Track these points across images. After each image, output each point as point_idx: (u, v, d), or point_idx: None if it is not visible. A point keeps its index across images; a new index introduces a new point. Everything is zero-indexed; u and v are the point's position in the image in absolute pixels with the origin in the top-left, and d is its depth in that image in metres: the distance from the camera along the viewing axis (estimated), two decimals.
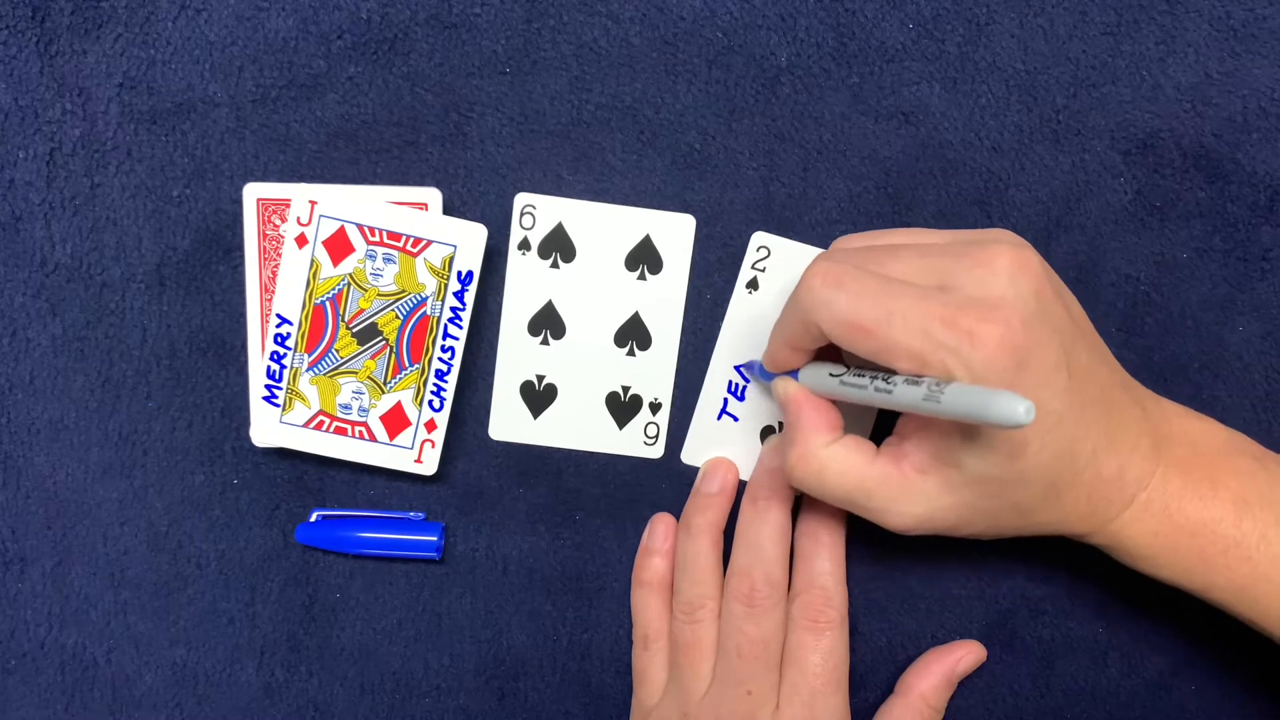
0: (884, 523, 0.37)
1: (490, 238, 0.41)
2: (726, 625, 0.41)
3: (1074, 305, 0.37)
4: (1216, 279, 0.43)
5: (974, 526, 0.37)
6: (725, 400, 0.44)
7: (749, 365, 0.43)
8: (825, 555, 0.42)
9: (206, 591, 0.45)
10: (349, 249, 0.41)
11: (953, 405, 0.31)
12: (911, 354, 0.33)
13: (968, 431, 0.34)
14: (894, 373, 0.34)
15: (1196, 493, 0.36)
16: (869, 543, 0.44)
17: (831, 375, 0.37)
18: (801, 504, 0.43)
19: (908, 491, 0.36)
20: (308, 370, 0.42)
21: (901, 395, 0.33)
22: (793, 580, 0.42)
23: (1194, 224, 0.43)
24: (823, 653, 0.41)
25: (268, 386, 0.42)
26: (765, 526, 0.41)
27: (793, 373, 0.39)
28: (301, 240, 0.41)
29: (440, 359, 0.42)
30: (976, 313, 0.32)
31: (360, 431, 0.42)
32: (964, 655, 0.44)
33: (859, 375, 0.36)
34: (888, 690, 0.44)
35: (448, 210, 0.42)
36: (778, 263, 0.42)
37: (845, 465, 0.36)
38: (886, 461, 0.36)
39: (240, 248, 0.43)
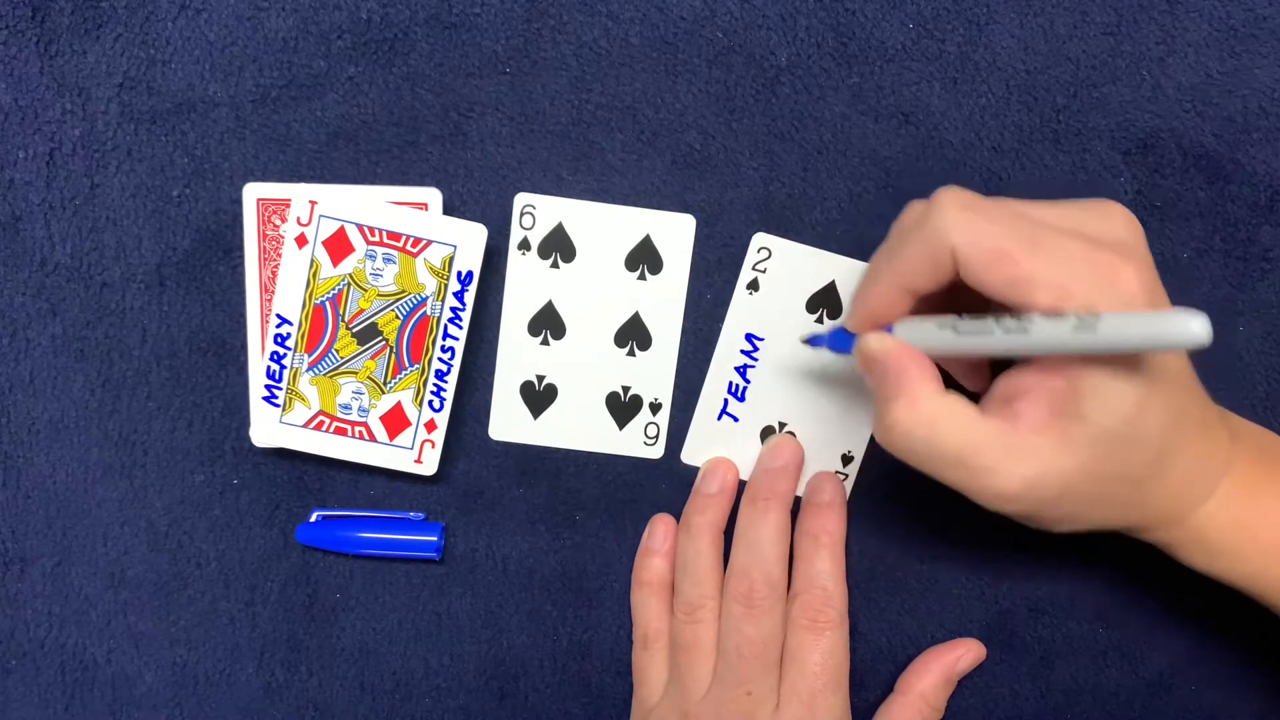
0: (986, 486, 0.33)
1: (490, 238, 0.41)
2: (726, 626, 0.41)
3: None
4: (1216, 279, 0.43)
5: (1073, 501, 0.34)
6: (725, 400, 0.44)
7: (815, 338, 0.40)
8: (825, 555, 0.42)
9: (206, 591, 0.45)
10: (349, 249, 0.41)
11: (1114, 333, 0.29)
12: (1055, 285, 0.31)
13: (1104, 371, 0.32)
14: (1016, 314, 0.32)
15: (1273, 487, 0.36)
16: (869, 543, 0.45)
17: (941, 327, 0.34)
18: (801, 505, 0.43)
19: (1022, 450, 0.33)
20: (308, 370, 0.42)
21: (1042, 333, 0.31)
22: (792, 580, 0.42)
23: (1194, 224, 0.43)
24: (823, 652, 0.41)
25: (268, 386, 0.42)
26: (764, 527, 0.41)
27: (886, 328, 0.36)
28: (301, 240, 0.41)
29: (440, 359, 0.42)
30: (1116, 251, 0.32)
31: (360, 431, 0.42)
32: (963, 654, 0.44)
33: (979, 318, 0.33)
34: (887, 690, 0.44)
35: (448, 210, 0.42)
36: (778, 264, 0.42)
37: (959, 417, 0.33)
38: (998, 418, 0.33)
39: (240, 248, 0.43)
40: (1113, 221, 0.33)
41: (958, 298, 0.35)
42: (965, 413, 0.34)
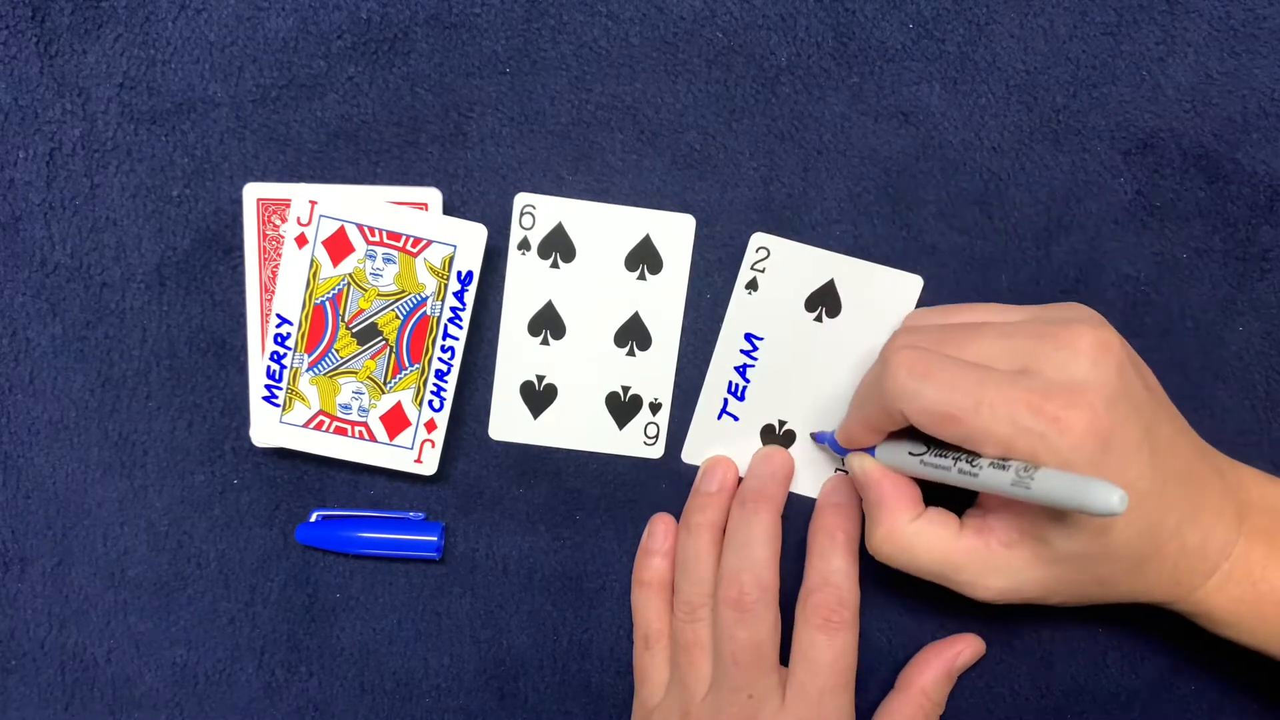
0: (970, 594, 0.37)
1: (490, 238, 0.41)
2: (718, 631, 0.41)
3: (1150, 378, 0.37)
4: (1216, 279, 0.43)
5: (1058, 597, 0.37)
6: (725, 400, 0.44)
7: (821, 436, 0.43)
8: (840, 553, 0.42)
9: (206, 591, 0.45)
10: (349, 249, 0.41)
11: (1043, 492, 0.31)
12: (998, 440, 0.33)
13: (1054, 512, 0.34)
14: (977, 455, 0.34)
15: None
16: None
17: (911, 455, 0.37)
18: (816, 504, 0.43)
19: (995, 565, 0.36)
20: (308, 370, 0.42)
21: (988, 479, 0.33)
22: (806, 577, 0.42)
23: (1194, 224, 0.43)
24: (834, 652, 0.40)
25: (268, 386, 0.42)
26: (754, 529, 0.41)
27: (869, 449, 0.40)
28: (301, 240, 0.41)
29: (440, 359, 0.42)
30: (1062, 398, 0.33)
31: (360, 431, 0.42)
32: (963, 649, 0.44)
33: (941, 455, 0.36)
34: (886, 689, 0.44)
35: (448, 210, 0.42)
36: (778, 263, 0.42)
37: (932, 541, 0.37)
38: (972, 535, 0.36)
39: (240, 248, 0.43)
40: (1074, 354, 0.34)
41: None
42: (940, 534, 0.37)
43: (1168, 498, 0.35)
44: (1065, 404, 0.33)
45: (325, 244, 0.41)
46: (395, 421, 0.42)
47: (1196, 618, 0.38)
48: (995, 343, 0.36)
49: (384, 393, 0.42)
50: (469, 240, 0.41)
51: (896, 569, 0.38)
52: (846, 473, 0.44)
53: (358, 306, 0.41)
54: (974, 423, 0.33)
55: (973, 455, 0.34)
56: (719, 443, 0.44)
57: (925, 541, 0.37)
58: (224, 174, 0.43)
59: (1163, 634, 0.45)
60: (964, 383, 0.34)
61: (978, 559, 0.36)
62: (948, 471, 0.35)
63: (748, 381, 0.43)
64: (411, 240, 0.41)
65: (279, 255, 0.42)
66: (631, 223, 0.43)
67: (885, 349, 0.37)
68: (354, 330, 0.42)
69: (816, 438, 0.43)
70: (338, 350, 0.42)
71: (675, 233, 0.43)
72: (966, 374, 0.34)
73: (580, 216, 0.42)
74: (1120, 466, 0.33)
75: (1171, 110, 0.42)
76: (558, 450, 0.44)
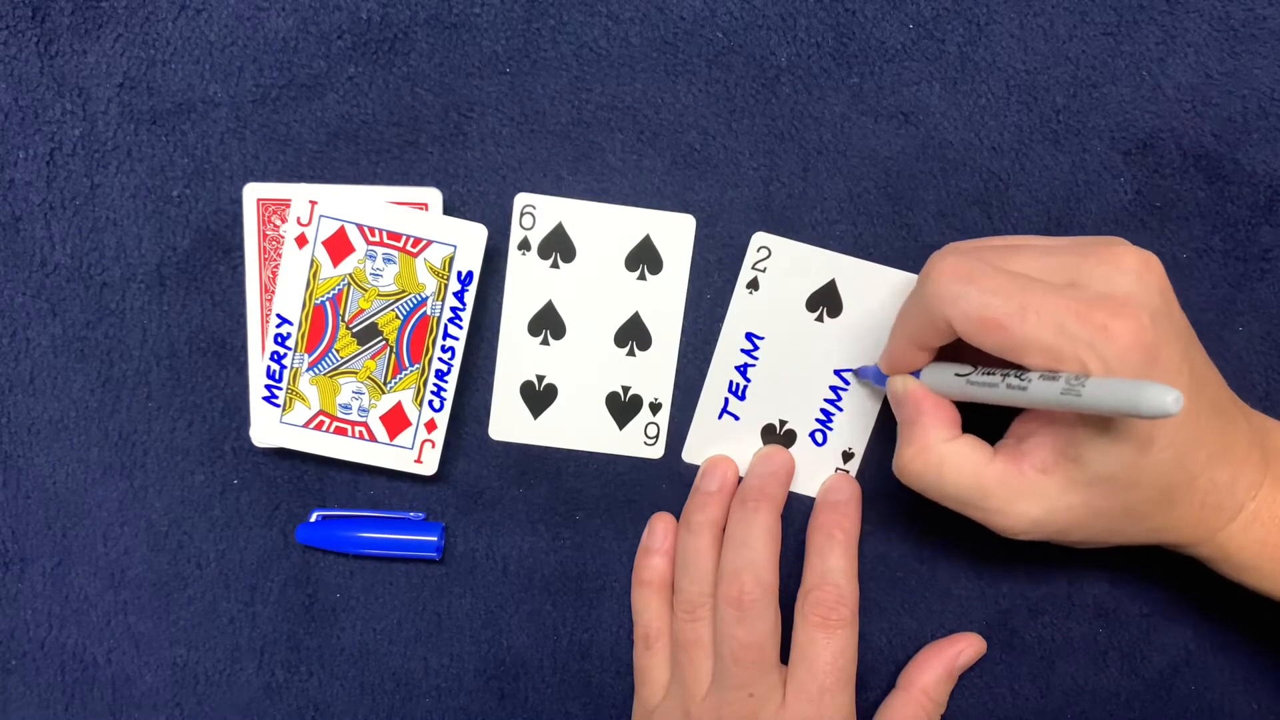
0: (996, 524, 0.36)
1: (490, 238, 0.41)
2: (719, 630, 0.41)
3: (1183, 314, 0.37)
4: (1216, 279, 0.43)
5: (1085, 531, 0.36)
6: (726, 399, 0.44)
7: (860, 370, 0.43)
8: (839, 552, 0.41)
9: (206, 591, 0.45)
10: (349, 249, 0.41)
11: (1096, 398, 0.30)
12: (1045, 349, 0.32)
13: (1097, 426, 0.33)
14: (1024, 370, 0.34)
15: None
16: (869, 541, 0.45)
17: (958, 375, 0.36)
18: (815, 503, 0.43)
19: (1027, 491, 0.35)
20: (308, 370, 0.42)
21: (1037, 391, 0.33)
22: (805, 575, 0.42)
23: (1194, 224, 0.43)
24: (834, 650, 0.40)
25: (268, 386, 0.42)
26: (754, 528, 0.41)
27: (914, 374, 0.39)
28: (301, 240, 0.41)
29: (440, 359, 0.42)
30: (1108, 308, 0.32)
31: (360, 431, 0.42)
32: (964, 648, 0.44)
33: (988, 374, 0.35)
34: (887, 689, 0.44)
35: (448, 210, 0.42)
36: (778, 263, 0.42)
37: (963, 463, 0.36)
38: (1005, 460, 0.36)
39: (240, 248, 0.43)
40: (1119, 270, 0.33)
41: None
42: (973, 456, 0.36)
43: (1202, 428, 0.34)
44: (1112, 313, 0.32)
45: (325, 244, 0.41)
46: (395, 421, 0.42)
47: (1215, 562, 0.38)
48: (1039, 258, 0.35)
49: (384, 393, 0.42)
50: (469, 240, 0.41)
51: (920, 492, 0.37)
52: (847, 472, 0.44)
53: (358, 306, 0.41)
54: (1020, 329, 0.33)
55: (1021, 370, 0.34)
56: (720, 442, 0.44)
57: (956, 462, 0.36)
58: (224, 174, 0.43)
59: (1163, 634, 0.45)
60: (1009, 289, 0.33)
61: (1009, 484, 0.35)
62: (995, 388, 0.34)
63: (748, 381, 0.43)
64: (411, 240, 0.41)
65: (279, 255, 0.42)
66: (631, 223, 0.43)
67: (929, 261, 0.36)
68: (354, 330, 0.42)
69: (859, 373, 0.43)
70: (338, 350, 0.42)
71: (675, 233, 0.43)
72: (1012, 281, 0.33)
73: (580, 216, 0.42)
74: (1165, 382, 0.32)
75: (1171, 110, 0.42)
76: (558, 450, 0.44)
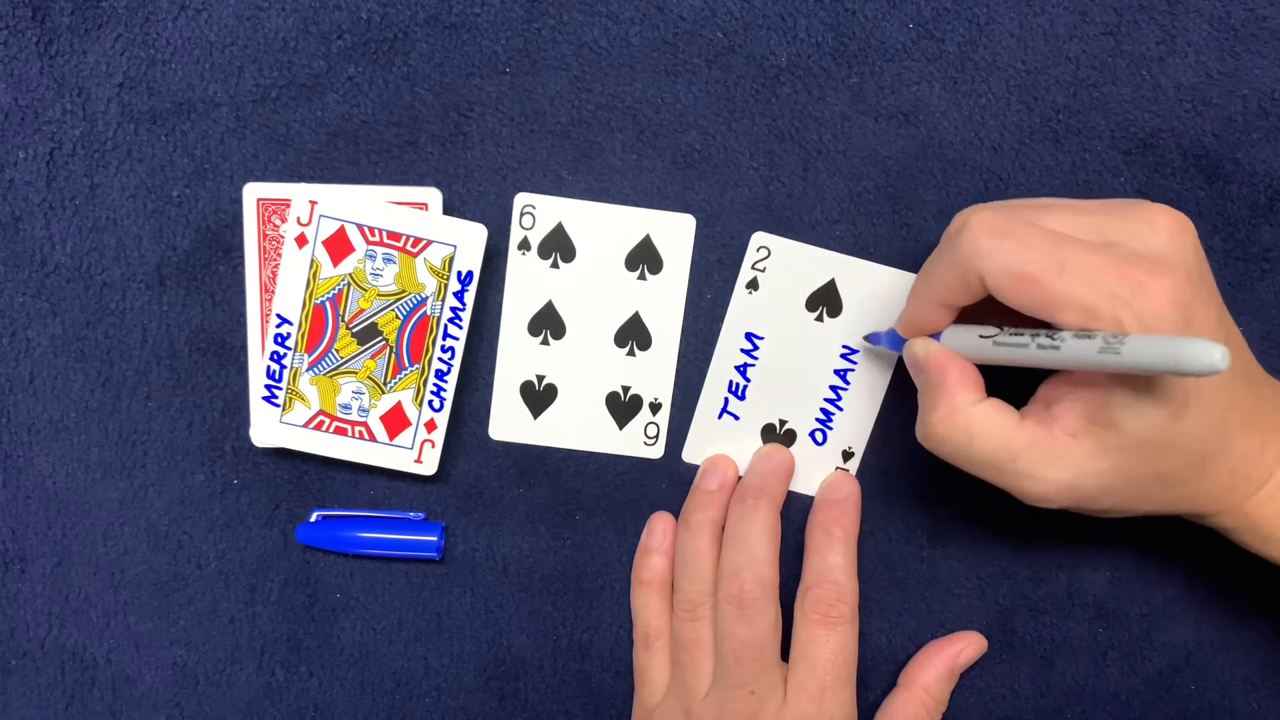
0: (1025, 489, 0.35)
1: (490, 238, 0.41)
2: (720, 629, 0.41)
3: None
4: (1217, 279, 0.43)
5: (1113, 497, 0.35)
6: (726, 399, 0.44)
7: (875, 336, 0.41)
8: (838, 549, 0.41)
9: (206, 591, 0.45)
10: (349, 249, 0.41)
11: (1137, 355, 0.29)
12: (1082, 305, 0.32)
13: (1132, 389, 0.33)
14: (1054, 329, 0.33)
15: None
16: (869, 540, 0.45)
17: (983, 337, 0.35)
18: (815, 500, 0.43)
19: (1057, 455, 0.34)
20: (308, 370, 0.42)
21: (1071, 350, 0.31)
22: (804, 573, 0.42)
23: (1194, 224, 0.43)
24: (834, 647, 0.40)
25: (268, 386, 0.42)
26: (754, 526, 0.41)
27: (934, 336, 0.38)
28: (301, 240, 0.41)
29: (440, 359, 0.42)
30: (1144, 265, 0.32)
31: (360, 431, 0.42)
32: (965, 646, 0.44)
33: (1017, 334, 0.34)
34: (887, 688, 0.44)
35: (448, 210, 0.42)
36: (778, 263, 0.42)
37: (991, 427, 0.35)
38: (1034, 424, 0.35)
39: (240, 248, 0.43)
40: (1152, 229, 0.33)
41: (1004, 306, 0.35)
42: (1001, 419, 0.35)
43: (1235, 392, 0.34)
44: (1148, 271, 0.31)
45: (325, 244, 0.41)
46: (395, 421, 0.42)
47: (1238, 532, 0.37)
48: (1070, 216, 0.34)
49: (384, 393, 0.42)
50: (469, 240, 0.41)
51: (945, 459, 0.36)
52: (847, 471, 0.44)
53: (358, 306, 0.41)
54: (1056, 285, 0.32)
55: (1052, 329, 0.33)
56: (720, 442, 0.44)
57: (984, 425, 0.35)
58: (224, 174, 0.43)
59: (1163, 634, 0.45)
60: (1045, 244, 0.32)
61: (1039, 448, 0.34)
62: (1025, 349, 0.33)
63: (748, 381, 0.43)
64: (411, 240, 0.41)
65: (279, 255, 0.42)
66: (631, 223, 0.43)
67: (957, 217, 0.35)
68: (354, 330, 0.42)
69: (870, 339, 0.42)
70: (338, 350, 0.42)
71: (675, 233, 0.43)
72: (1047, 237, 0.32)
73: (580, 216, 0.42)
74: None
75: (1171, 110, 0.42)
76: (558, 450, 0.44)
